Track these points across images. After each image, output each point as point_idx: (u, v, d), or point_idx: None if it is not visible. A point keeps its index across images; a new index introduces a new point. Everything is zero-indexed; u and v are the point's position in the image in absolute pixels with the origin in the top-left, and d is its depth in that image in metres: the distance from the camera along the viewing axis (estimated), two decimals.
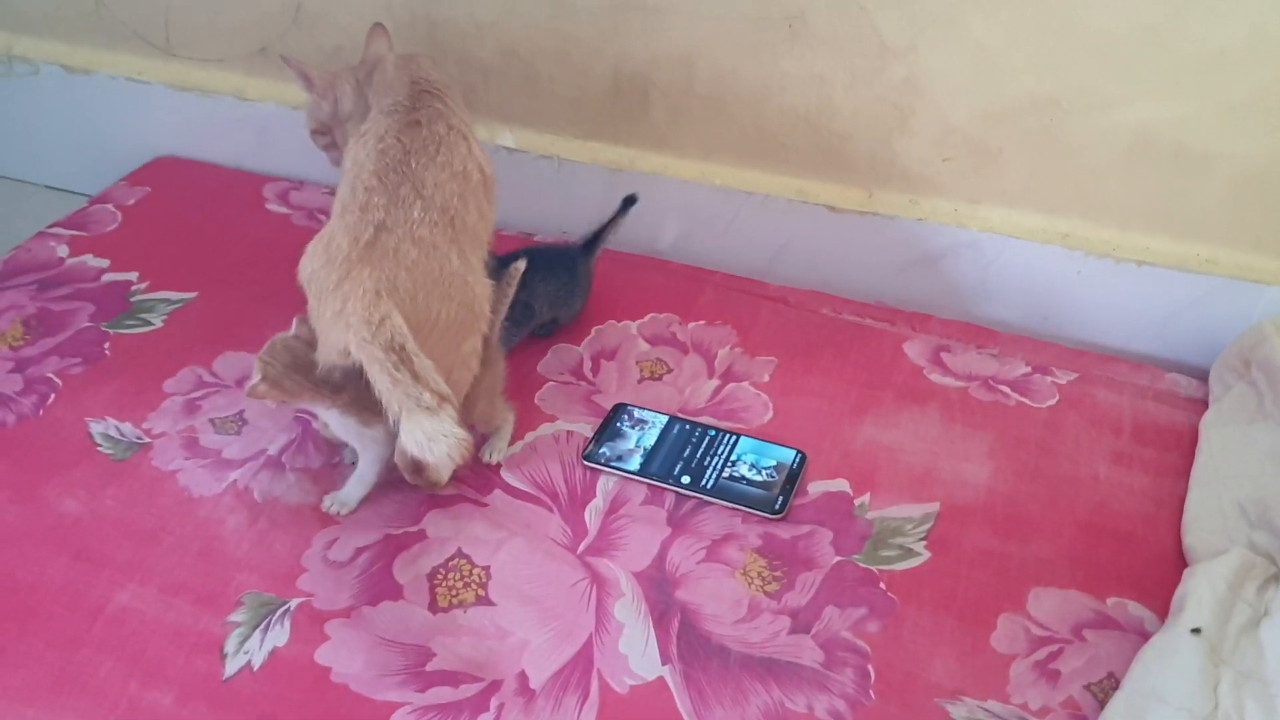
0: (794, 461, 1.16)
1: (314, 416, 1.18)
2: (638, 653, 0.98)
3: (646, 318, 1.37)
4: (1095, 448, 1.20)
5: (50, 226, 1.49)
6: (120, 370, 1.25)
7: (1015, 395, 1.26)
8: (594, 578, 1.04)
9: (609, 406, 1.23)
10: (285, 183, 1.59)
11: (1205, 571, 0.99)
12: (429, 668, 0.96)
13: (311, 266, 1.03)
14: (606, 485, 1.14)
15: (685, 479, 1.14)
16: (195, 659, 0.97)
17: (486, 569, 1.05)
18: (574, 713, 0.93)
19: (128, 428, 1.18)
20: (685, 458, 1.16)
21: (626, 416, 1.21)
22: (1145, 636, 0.98)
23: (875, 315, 1.37)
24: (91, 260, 1.43)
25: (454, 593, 1.02)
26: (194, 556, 1.05)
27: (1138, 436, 1.21)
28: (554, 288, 1.28)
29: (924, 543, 1.09)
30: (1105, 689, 0.96)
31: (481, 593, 1.03)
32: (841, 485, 1.14)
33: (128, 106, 1.64)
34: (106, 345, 1.29)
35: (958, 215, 1.37)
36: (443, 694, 0.95)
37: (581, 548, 1.07)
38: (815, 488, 1.14)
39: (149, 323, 1.33)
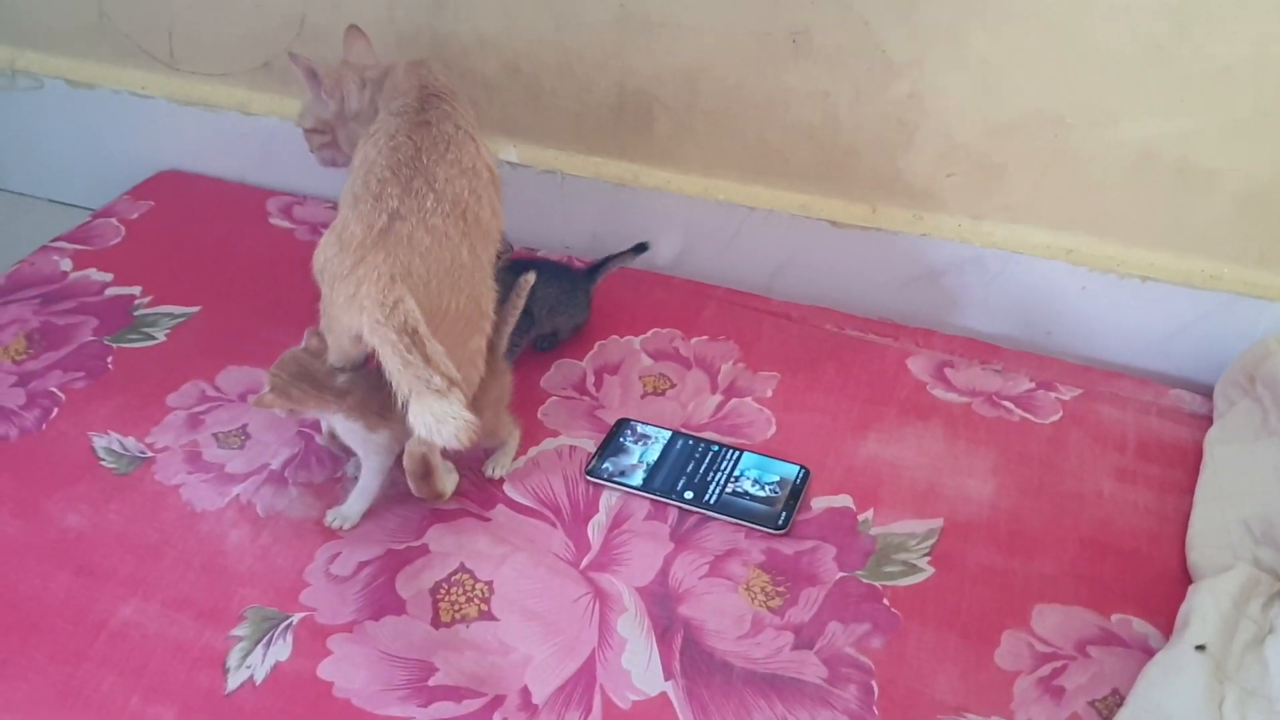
0: (797, 477, 1.16)
1: (319, 431, 1.18)
2: (640, 668, 0.98)
3: (649, 333, 1.37)
4: (1099, 464, 1.19)
5: (54, 240, 1.49)
6: (123, 384, 1.25)
7: (1019, 411, 1.26)
8: (597, 593, 1.04)
9: (612, 422, 1.23)
10: (289, 197, 1.59)
11: (1210, 588, 0.99)
12: (431, 683, 0.96)
13: (325, 255, 1.03)
14: (609, 500, 1.14)
15: (688, 494, 1.13)
16: (197, 674, 0.96)
17: (489, 584, 1.04)
18: None
19: (131, 442, 1.18)
20: (688, 473, 1.16)
21: (629, 432, 1.21)
22: (1150, 653, 0.98)
23: (879, 330, 1.37)
24: (95, 274, 1.43)
25: (457, 607, 1.02)
26: (196, 571, 1.05)
27: (1142, 452, 1.21)
28: (554, 294, 1.28)
29: (928, 559, 1.08)
30: (1110, 706, 0.95)
31: (484, 607, 1.02)
32: (845, 501, 1.14)
33: (131, 121, 1.64)
34: (109, 359, 1.29)
35: (961, 231, 1.37)
36: (445, 709, 0.94)
37: (584, 563, 1.07)
38: (818, 503, 1.14)
39: (152, 337, 1.33)
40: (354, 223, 1.02)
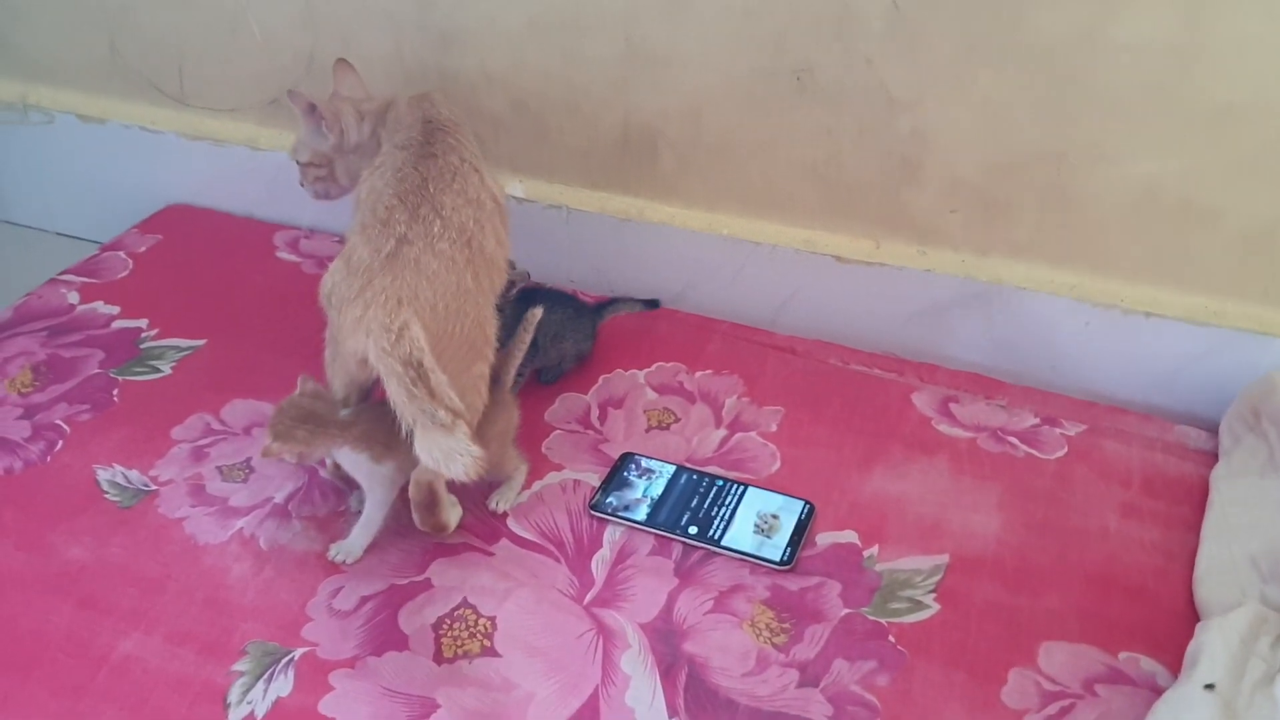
0: (802, 512, 1.15)
1: (323, 465, 1.18)
2: (645, 705, 0.97)
3: (654, 366, 1.37)
4: (1105, 500, 1.19)
5: (61, 273, 1.50)
6: (128, 417, 1.26)
7: (1024, 447, 1.26)
8: (600, 629, 1.04)
9: (616, 456, 1.23)
10: (295, 231, 1.60)
11: (1218, 626, 0.98)
12: (433, 719, 0.95)
13: (333, 280, 1.04)
14: (613, 535, 1.14)
15: (692, 529, 1.13)
16: (198, 709, 0.96)
17: (492, 619, 1.04)
18: None
19: (135, 475, 1.18)
20: (693, 508, 1.16)
21: (634, 466, 1.21)
22: (1158, 692, 0.97)
23: (883, 365, 1.37)
24: (102, 307, 1.43)
25: (459, 643, 1.02)
26: (199, 605, 1.05)
27: (1147, 489, 1.21)
28: (558, 320, 1.28)
29: (933, 595, 1.08)
30: None
31: (487, 643, 1.02)
32: (850, 536, 1.14)
33: (141, 155, 1.65)
34: (115, 392, 1.29)
35: (965, 266, 1.37)
36: None
37: (588, 598, 1.07)
38: (823, 539, 1.14)
39: (158, 370, 1.33)
40: (362, 247, 1.03)
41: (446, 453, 0.94)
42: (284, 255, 1.55)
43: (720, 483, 1.19)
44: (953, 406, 1.31)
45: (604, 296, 1.44)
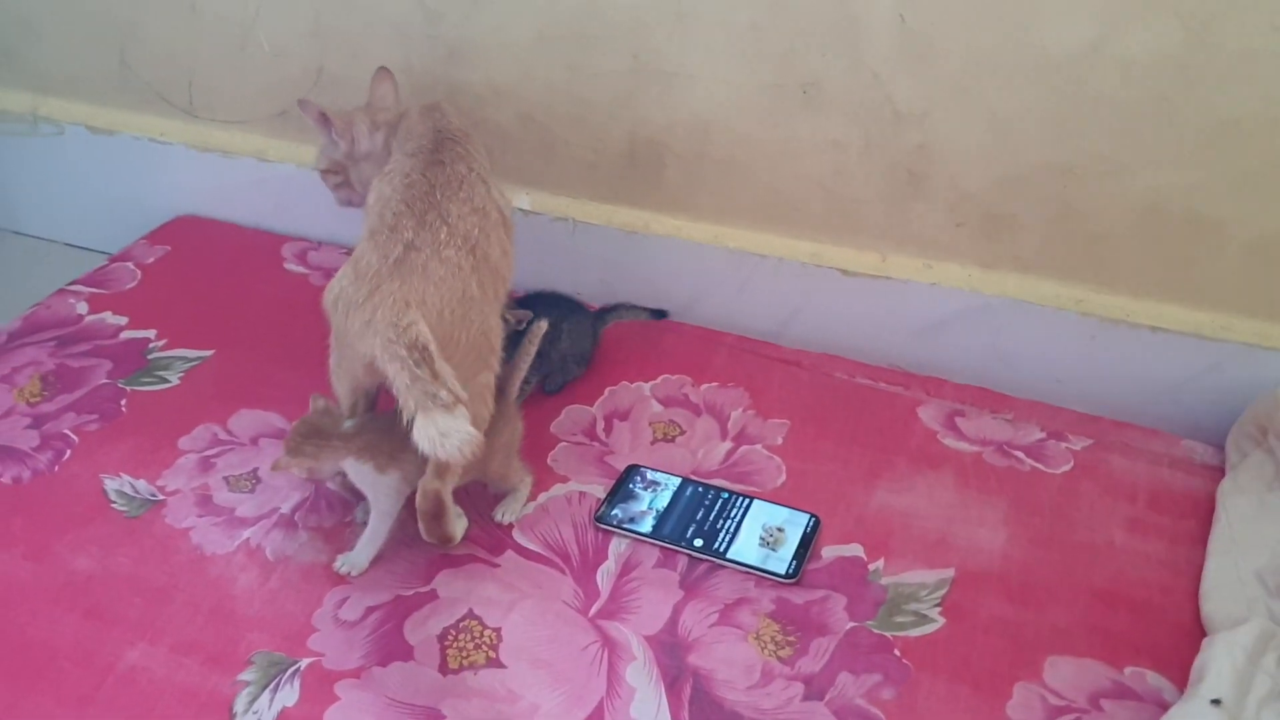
0: (807, 525, 1.15)
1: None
2: (649, 718, 0.97)
3: (659, 379, 1.37)
4: (1111, 514, 1.19)
5: (70, 284, 1.51)
6: (136, 427, 1.26)
7: (1030, 461, 1.25)
8: (605, 641, 1.04)
9: (621, 468, 1.23)
10: (304, 243, 1.61)
11: (1225, 641, 0.98)
12: None
13: (339, 286, 1.05)
14: (619, 547, 1.14)
15: (698, 542, 1.13)
16: (204, 719, 0.96)
17: (498, 631, 1.04)
18: None
19: (142, 484, 1.19)
20: (698, 520, 1.16)
21: (639, 478, 1.21)
22: (1164, 707, 0.97)
23: (889, 379, 1.38)
24: (110, 317, 1.44)
25: (464, 654, 1.02)
26: (205, 615, 1.05)
27: (1153, 503, 1.20)
28: (557, 318, 1.28)
29: (939, 609, 1.08)
30: None
31: (492, 654, 1.02)
32: (855, 550, 1.14)
33: (150, 166, 1.66)
34: (123, 402, 1.30)
35: (971, 280, 1.37)
36: None
37: (593, 610, 1.07)
38: (829, 552, 1.14)
39: (166, 380, 1.33)
40: (370, 253, 1.04)
41: (445, 432, 0.94)
42: (292, 267, 1.56)
43: (726, 495, 1.19)
44: (958, 420, 1.31)
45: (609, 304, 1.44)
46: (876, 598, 1.08)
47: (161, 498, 1.17)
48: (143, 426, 1.26)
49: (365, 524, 1.11)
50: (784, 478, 1.23)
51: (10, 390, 1.31)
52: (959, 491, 1.21)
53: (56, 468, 1.20)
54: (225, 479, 1.20)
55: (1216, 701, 0.92)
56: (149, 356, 1.37)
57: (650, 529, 1.15)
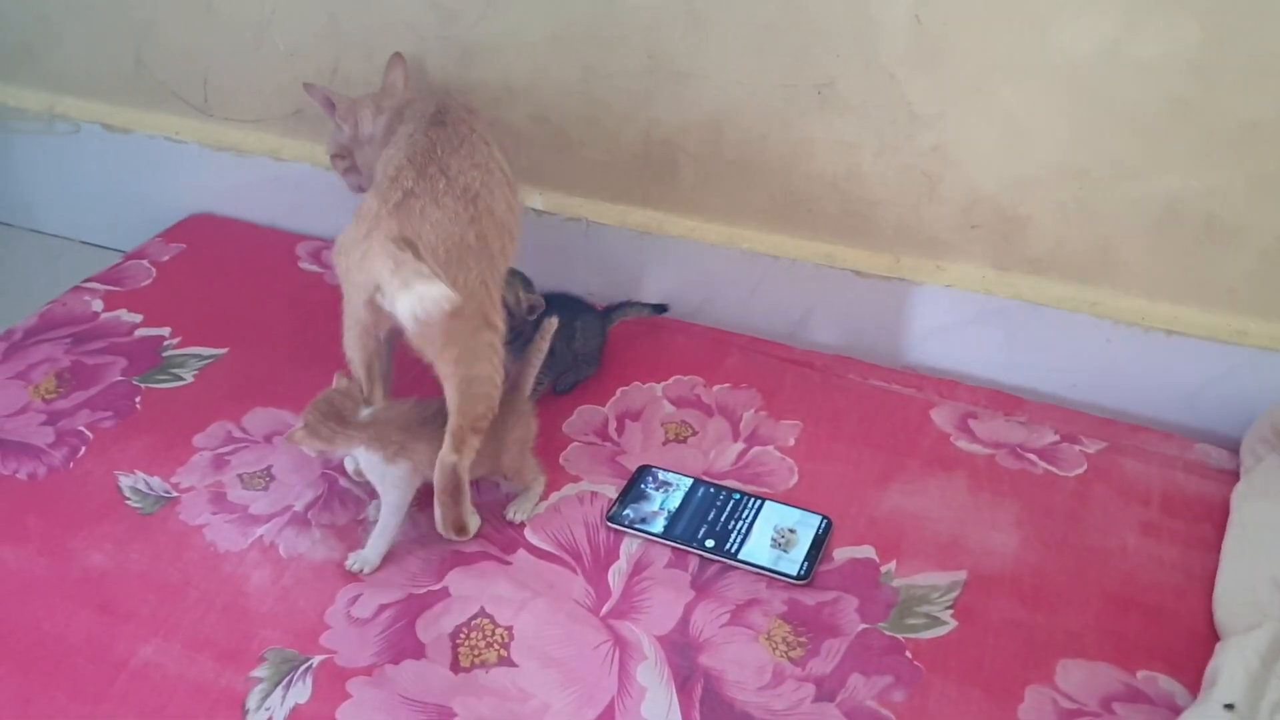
0: (819, 527, 1.15)
1: (343, 474, 1.19)
2: (660, 717, 0.97)
3: (671, 380, 1.37)
4: (1124, 518, 1.18)
5: (85, 281, 1.51)
6: (151, 424, 1.27)
7: (1043, 464, 1.25)
8: (617, 640, 1.04)
9: (633, 468, 1.23)
10: (318, 242, 1.61)
11: (1238, 646, 0.98)
12: None
13: (343, 236, 1.09)
14: (630, 547, 1.14)
15: (709, 542, 1.13)
16: (217, 716, 0.96)
17: (509, 629, 1.04)
18: None
19: (156, 481, 1.19)
20: (709, 521, 1.16)
21: (651, 478, 1.21)
22: (1176, 711, 0.97)
23: (902, 381, 1.37)
24: (125, 315, 1.45)
25: (476, 652, 1.02)
26: (218, 612, 1.05)
27: (1167, 507, 1.20)
28: (567, 321, 1.27)
29: (950, 611, 1.07)
30: None
31: (504, 653, 1.02)
32: (867, 552, 1.14)
33: (165, 165, 1.67)
34: (138, 399, 1.30)
35: (985, 282, 1.37)
36: None
37: (604, 610, 1.07)
38: (840, 554, 1.13)
39: (180, 378, 1.34)
40: (371, 199, 1.08)
41: (423, 296, 0.96)
42: (306, 265, 1.56)
43: (737, 496, 1.19)
44: (972, 423, 1.31)
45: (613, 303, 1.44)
46: (888, 599, 1.08)
47: (175, 495, 1.18)
48: (157, 424, 1.27)
49: (377, 521, 1.11)
50: (796, 479, 1.23)
51: (26, 387, 1.31)
52: (971, 494, 1.21)
53: (71, 464, 1.21)
54: (239, 476, 1.20)
55: (1230, 706, 0.92)
56: (164, 354, 1.38)
57: (662, 529, 1.15)
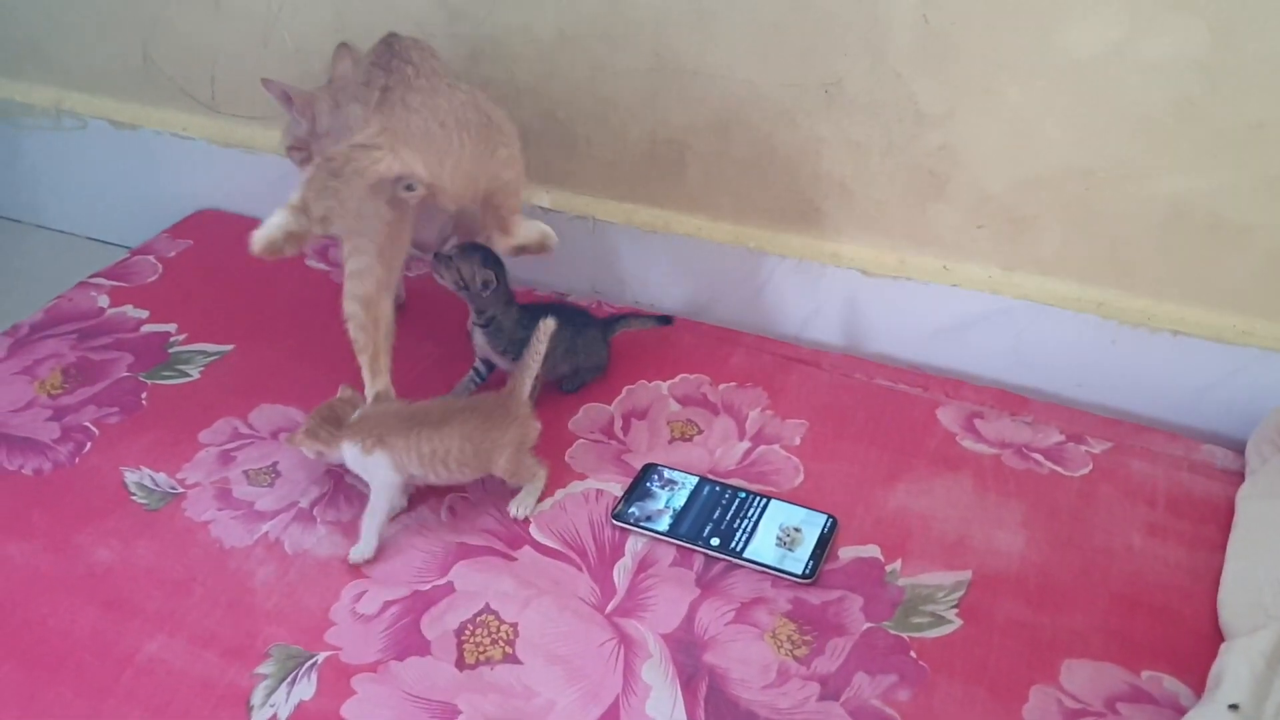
0: (825, 526, 1.15)
1: (349, 470, 1.19)
2: (665, 716, 0.97)
3: (677, 378, 1.37)
4: (1129, 518, 1.18)
5: (92, 277, 1.52)
6: (156, 420, 1.27)
7: (1048, 463, 1.25)
8: (622, 638, 1.04)
9: (639, 466, 1.23)
10: (325, 239, 1.61)
11: (1243, 647, 0.98)
12: None
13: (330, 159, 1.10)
14: (635, 545, 1.14)
15: (715, 541, 1.13)
16: (221, 712, 0.96)
17: (514, 626, 1.04)
18: None
19: (162, 478, 1.19)
20: (715, 519, 1.16)
21: (656, 477, 1.21)
22: (1181, 711, 0.97)
23: (908, 380, 1.37)
24: (131, 311, 1.45)
25: (481, 649, 1.02)
26: (223, 608, 1.05)
27: (1172, 508, 1.20)
28: (568, 336, 1.28)
29: (955, 611, 1.07)
30: None
31: (509, 650, 1.02)
32: (873, 551, 1.14)
33: (172, 161, 1.67)
34: (144, 395, 1.30)
35: (992, 282, 1.37)
36: None
37: (610, 608, 1.07)
38: (846, 553, 1.13)
39: (186, 374, 1.34)
40: (355, 109, 1.11)
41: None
42: (313, 263, 1.57)
43: (743, 495, 1.19)
44: (978, 422, 1.31)
45: (617, 309, 1.44)
46: (893, 599, 1.08)
47: (181, 491, 1.18)
48: (163, 420, 1.27)
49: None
50: (802, 478, 1.23)
51: (31, 382, 1.31)
52: (977, 493, 1.21)
53: (77, 460, 1.21)
54: (245, 473, 1.20)
55: (1234, 707, 0.92)
56: (170, 350, 1.38)
57: (667, 527, 1.15)
